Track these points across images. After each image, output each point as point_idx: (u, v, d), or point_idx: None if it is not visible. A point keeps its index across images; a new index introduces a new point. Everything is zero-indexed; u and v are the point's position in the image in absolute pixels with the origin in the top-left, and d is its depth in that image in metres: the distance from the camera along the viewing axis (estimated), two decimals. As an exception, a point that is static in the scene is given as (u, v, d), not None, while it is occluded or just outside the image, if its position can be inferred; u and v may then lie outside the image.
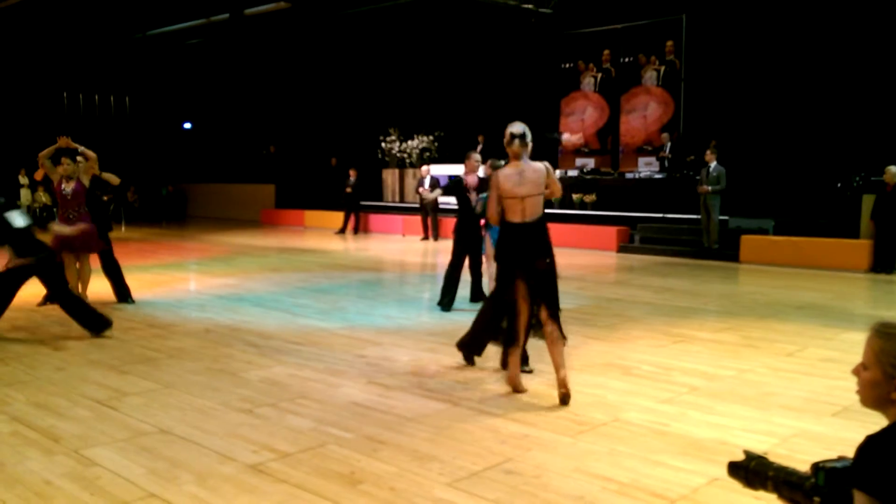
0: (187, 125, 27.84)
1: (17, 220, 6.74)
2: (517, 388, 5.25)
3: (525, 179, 5.07)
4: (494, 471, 3.86)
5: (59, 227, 7.90)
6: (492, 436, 4.39)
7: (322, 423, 4.61)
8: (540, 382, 5.44)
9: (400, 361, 6.15)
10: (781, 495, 2.03)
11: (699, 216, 13.59)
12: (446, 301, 8.39)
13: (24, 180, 21.71)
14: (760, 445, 4.14)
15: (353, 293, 9.83)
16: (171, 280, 10.87)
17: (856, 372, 1.96)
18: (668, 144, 16.09)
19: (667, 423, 4.62)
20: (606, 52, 17.69)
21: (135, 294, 9.26)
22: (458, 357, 6.09)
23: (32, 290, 8.12)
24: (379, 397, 5.15)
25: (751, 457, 2.13)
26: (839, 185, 13.51)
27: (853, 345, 6.62)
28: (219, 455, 4.08)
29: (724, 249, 13.24)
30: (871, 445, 1.82)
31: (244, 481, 3.74)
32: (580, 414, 4.79)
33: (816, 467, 1.93)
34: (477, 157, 8.30)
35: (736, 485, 2.20)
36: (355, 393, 5.26)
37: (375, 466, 3.92)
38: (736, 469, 2.15)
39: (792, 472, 2.02)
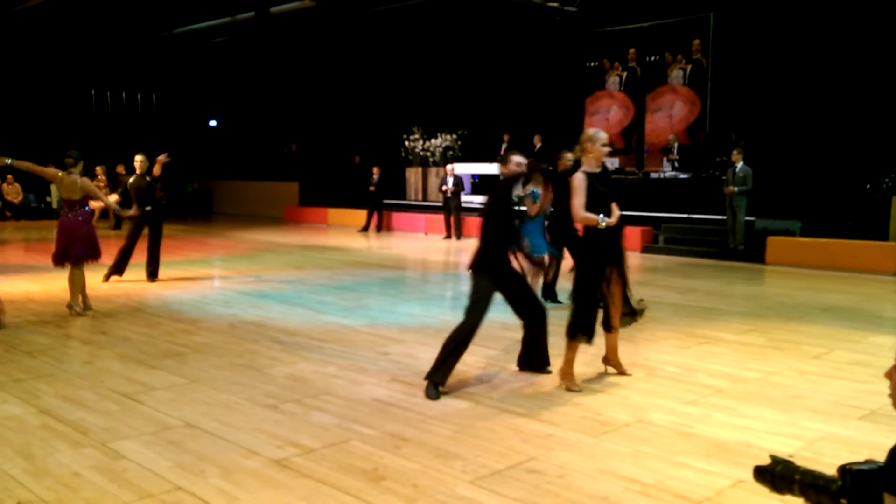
0: (213, 123, 28.08)
1: None
2: (570, 387, 5.29)
3: None
4: (517, 469, 3.87)
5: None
6: (515, 434, 4.39)
7: (346, 419, 4.64)
8: (560, 383, 5.42)
9: (423, 359, 6.15)
10: (808, 498, 2.01)
11: (725, 217, 13.46)
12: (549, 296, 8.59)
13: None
14: (786, 448, 4.11)
15: (376, 291, 9.87)
16: (196, 276, 10.99)
17: (888, 375, 1.94)
18: (675, 145, 16.00)
19: (691, 424, 4.60)
20: (632, 50, 17.60)
21: (161, 289, 9.45)
22: (479, 356, 6.11)
23: (62, 285, 8.26)
24: (402, 395, 5.17)
25: (776, 461, 2.12)
26: (868, 186, 13.32)
27: (881, 348, 6.54)
28: (244, 449, 4.12)
29: (750, 251, 13.11)
30: None
31: (269, 476, 3.77)
32: (604, 414, 4.78)
33: (844, 470, 1.92)
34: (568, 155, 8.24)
35: (760, 487, 2.18)
36: (379, 390, 5.28)
37: (398, 463, 3.94)
38: (762, 473, 2.14)
39: (818, 475, 2.00)
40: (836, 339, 7.02)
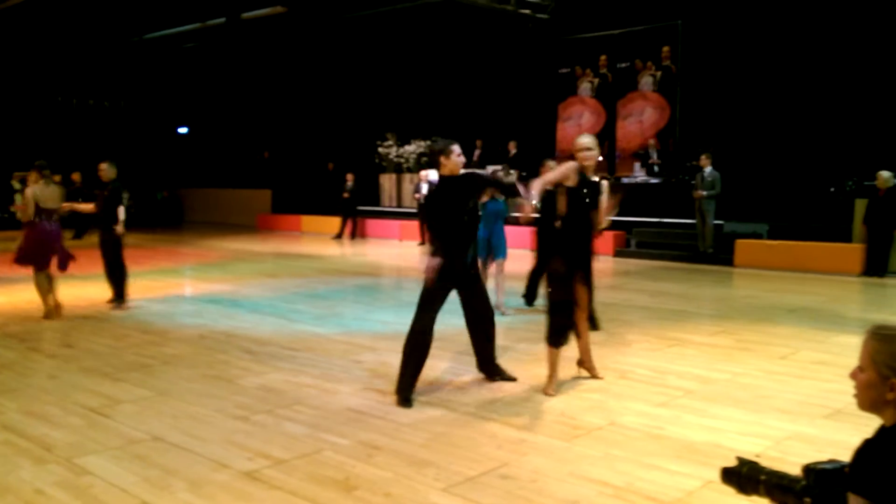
0: (183, 129, 27.81)
1: None
2: (546, 391, 5.32)
3: None
4: (490, 476, 3.86)
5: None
6: (488, 441, 4.39)
7: (318, 429, 4.60)
8: (533, 388, 5.44)
9: (397, 367, 6.08)
10: (773, 498, 2.04)
11: (694, 221, 13.62)
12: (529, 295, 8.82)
13: (17, 185, 21.63)
14: (754, 448, 4.15)
15: (350, 299, 9.82)
16: (166, 286, 10.84)
17: (853, 375, 1.97)
18: (656, 150, 16.15)
19: (662, 426, 4.63)
20: (603, 57, 17.73)
21: (129, 300, 9.28)
22: (453, 362, 6.10)
23: (30, 297, 8.12)
24: (375, 403, 5.15)
25: (743, 462, 2.15)
26: (832, 189, 13.56)
27: (846, 348, 6.63)
28: (213, 462, 4.07)
29: (719, 254, 13.26)
30: (867, 449, 1.83)
31: (238, 488, 3.73)
32: (575, 418, 4.80)
33: (808, 469, 1.95)
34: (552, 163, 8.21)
35: (729, 488, 2.20)
36: (351, 399, 5.25)
37: (371, 472, 3.91)
38: (729, 475, 2.16)
39: (783, 475, 2.03)
40: (802, 340, 7.12)
